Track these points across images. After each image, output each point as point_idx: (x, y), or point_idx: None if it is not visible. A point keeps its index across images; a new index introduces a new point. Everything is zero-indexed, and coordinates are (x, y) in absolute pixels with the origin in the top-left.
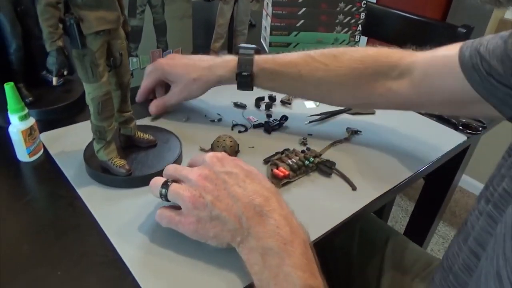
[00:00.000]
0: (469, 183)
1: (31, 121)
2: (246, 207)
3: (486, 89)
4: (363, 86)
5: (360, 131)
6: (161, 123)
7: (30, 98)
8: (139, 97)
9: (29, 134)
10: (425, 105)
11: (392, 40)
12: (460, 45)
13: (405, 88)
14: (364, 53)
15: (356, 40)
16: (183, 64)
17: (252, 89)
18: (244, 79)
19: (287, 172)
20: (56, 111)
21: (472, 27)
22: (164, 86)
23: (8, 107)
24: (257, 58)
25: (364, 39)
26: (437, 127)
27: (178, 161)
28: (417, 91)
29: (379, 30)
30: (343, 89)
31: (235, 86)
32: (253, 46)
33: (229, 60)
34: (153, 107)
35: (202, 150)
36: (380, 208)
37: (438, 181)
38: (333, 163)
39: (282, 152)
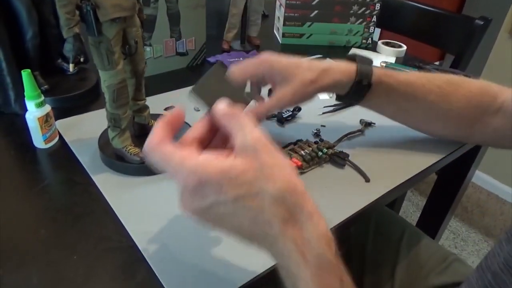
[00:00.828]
0: (482, 178)
1: (47, 108)
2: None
3: None
4: (466, 117)
5: (374, 123)
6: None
7: (46, 86)
8: (238, 72)
9: (45, 121)
10: None
11: (407, 32)
12: None
13: (501, 124)
14: (472, 83)
15: (370, 31)
16: (295, 63)
17: (358, 103)
18: (362, 88)
19: (300, 163)
20: (71, 99)
21: (490, 19)
22: (258, 88)
23: (25, 93)
24: (376, 70)
25: (377, 31)
26: None
27: None
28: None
29: (394, 21)
30: (449, 117)
31: None
32: (369, 57)
33: (346, 66)
34: (257, 111)
35: None
36: (391, 202)
37: (450, 176)
38: (347, 155)
39: (295, 143)
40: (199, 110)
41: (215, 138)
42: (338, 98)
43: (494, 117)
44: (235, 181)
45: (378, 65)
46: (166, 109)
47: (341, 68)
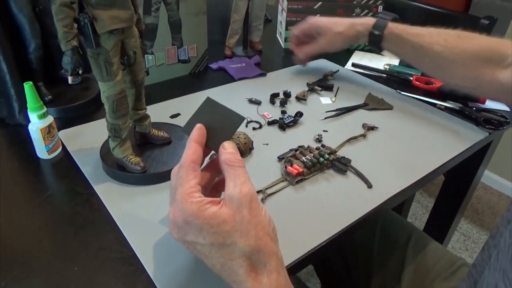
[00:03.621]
0: (493, 179)
1: (50, 119)
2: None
3: None
4: (472, 68)
5: (377, 127)
6: (175, 120)
7: (49, 96)
8: (292, 39)
9: (47, 132)
10: None
11: None
12: None
13: (509, 79)
14: (482, 39)
15: None
16: (329, 20)
17: (382, 50)
18: (375, 38)
19: (301, 169)
20: (74, 109)
21: (496, 18)
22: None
23: (28, 105)
24: (391, 24)
25: None
26: (457, 122)
27: None
28: None
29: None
30: (455, 66)
31: (249, 83)
32: (393, 14)
33: (368, 20)
34: (301, 53)
35: None
36: (399, 204)
37: (459, 177)
38: (349, 160)
39: (296, 149)
40: None
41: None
42: (369, 44)
43: (503, 71)
44: (214, 229)
45: (382, 67)
46: (172, 116)
47: (364, 22)
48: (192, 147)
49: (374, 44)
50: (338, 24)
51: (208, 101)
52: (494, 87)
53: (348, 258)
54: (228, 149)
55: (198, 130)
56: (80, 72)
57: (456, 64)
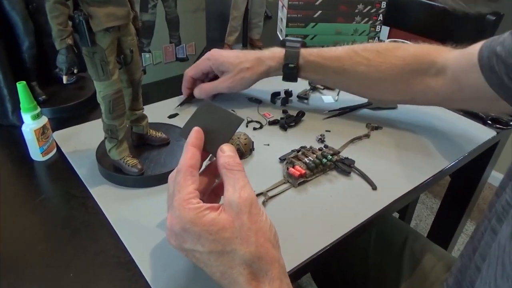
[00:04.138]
0: (500, 180)
1: (44, 120)
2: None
3: (503, 89)
4: (403, 82)
5: (381, 127)
6: (173, 120)
7: (44, 96)
8: (186, 83)
9: (41, 133)
10: (457, 102)
11: (416, 30)
12: (482, 43)
13: (441, 85)
14: (405, 50)
15: (377, 30)
16: (235, 55)
17: (297, 81)
18: (290, 70)
19: (303, 171)
20: (69, 109)
21: (502, 14)
22: (206, 79)
23: (21, 106)
24: (303, 51)
25: (386, 29)
26: (464, 121)
27: None
28: (450, 88)
29: (402, 19)
30: (384, 84)
31: None
32: (299, 39)
33: (277, 52)
34: (199, 90)
35: None
36: (403, 206)
37: (465, 178)
38: (352, 161)
39: (298, 150)
40: None
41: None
42: (284, 78)
43: (434, 78)
44: (213, 236)
45: None
46: (170, 116)
47: (272, 55)
48: (189, 151)
49: (290, 76)
50: (243, 59)
51: (205, 103)
52: (429, 97)
53: (344, 261)
54: (226, 152)
55: (196, 133)
56: (75, 71)
57: (384, 81)
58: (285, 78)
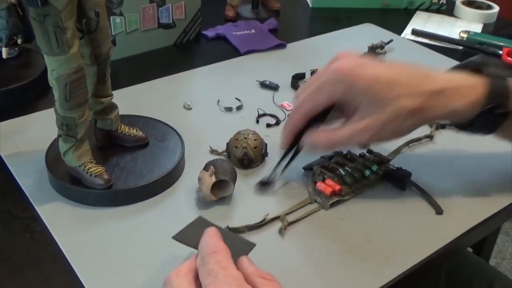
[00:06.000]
0: None
1: None
2: None
3: None
4: None
5: (450, 124)
6: (155, 112)
7: None
8: (294, 127)
9: None
10: None
11: None
12: None
13: None
14: None
15: (440, 2)
16: (389, 79)
17: (491, 133)
18: (494, 118)
19: (338, 187)
20: (9, 93)
21: None
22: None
23: None
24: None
25: None
26: None
27: (178, 167)
28: None
29: None
30: None
31: (261, 58)
32: (503, 62)
33: (470, 85)
34: (314, 141)
35: (214, 152)
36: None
37: None
38: (408, 173)
39: (331, 157)
40: (190, 108)
41: None
42: (473, 128)
43: None
44: None
45: (456, 36)
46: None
47: (462, 90)
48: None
49: (486, 125)
50: (406, 90)
51: (200, 220)
52: None
53: None
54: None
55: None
56: (19, 41)
57: None
58: (470, 130)
